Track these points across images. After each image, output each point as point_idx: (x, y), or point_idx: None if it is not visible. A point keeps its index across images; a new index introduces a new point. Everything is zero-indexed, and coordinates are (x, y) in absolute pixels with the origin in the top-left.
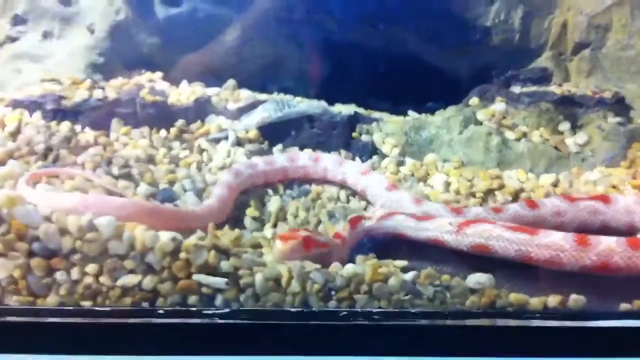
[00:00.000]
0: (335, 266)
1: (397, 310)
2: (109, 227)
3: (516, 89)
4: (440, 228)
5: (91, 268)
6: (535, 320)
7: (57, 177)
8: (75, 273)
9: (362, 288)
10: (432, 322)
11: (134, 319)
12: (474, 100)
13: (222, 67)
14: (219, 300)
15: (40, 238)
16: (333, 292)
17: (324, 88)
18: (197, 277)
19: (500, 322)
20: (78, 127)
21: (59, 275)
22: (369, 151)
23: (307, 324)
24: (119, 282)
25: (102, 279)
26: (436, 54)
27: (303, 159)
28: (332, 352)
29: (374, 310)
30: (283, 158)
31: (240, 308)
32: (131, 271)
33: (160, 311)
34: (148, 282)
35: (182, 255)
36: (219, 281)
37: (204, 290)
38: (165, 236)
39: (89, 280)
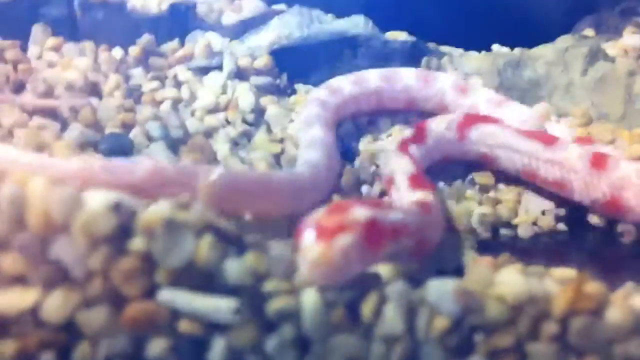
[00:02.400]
0: (481, 279)
1: None
2: None
3: None
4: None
5: None
6: None
7: None
8: None
9: (547, 328)
10: None
11: None
12: (588, 32)
13: None
14: (217, 350)
15: None
16: (476, 336)
17: (366, 12)
18: (167, 294)
19: None
20: None
21: None
22: None
23: None
24: None
25: None
26: None
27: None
28: None
29: None
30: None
31: None
32: (18, 279)
33: None
34: (54, 306)
35: (136, 243)
36: (221, 306)
37: (184, 325)
38: (97, 198)
39: None
